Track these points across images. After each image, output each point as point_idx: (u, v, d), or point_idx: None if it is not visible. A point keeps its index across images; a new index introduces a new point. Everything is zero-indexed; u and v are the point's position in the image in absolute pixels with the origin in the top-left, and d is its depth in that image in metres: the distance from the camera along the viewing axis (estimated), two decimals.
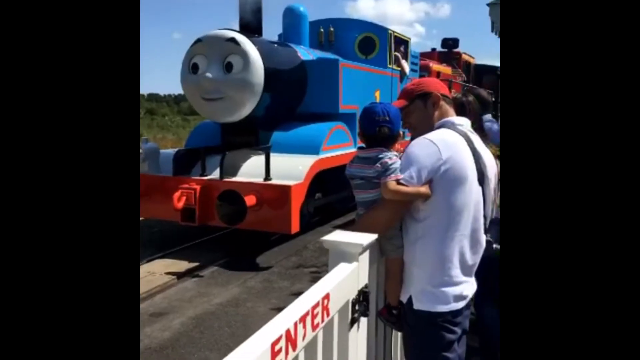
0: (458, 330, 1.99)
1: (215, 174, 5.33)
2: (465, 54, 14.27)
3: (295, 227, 4.99)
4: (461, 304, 1.98)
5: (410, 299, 1.98)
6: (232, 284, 4.51)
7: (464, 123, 2.07)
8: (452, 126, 2.03)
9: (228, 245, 5.62)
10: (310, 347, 1.41)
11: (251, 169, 5.38)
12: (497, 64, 16.33)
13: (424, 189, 1.89)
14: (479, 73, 14.92)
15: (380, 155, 1.99)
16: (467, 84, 12.20)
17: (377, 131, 2.02)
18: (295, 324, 1.22)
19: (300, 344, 1.26)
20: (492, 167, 2.13)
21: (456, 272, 1.96)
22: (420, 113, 2.11)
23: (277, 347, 1.12)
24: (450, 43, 14.01)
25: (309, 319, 1.30)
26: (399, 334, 2.23)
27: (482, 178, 2.02)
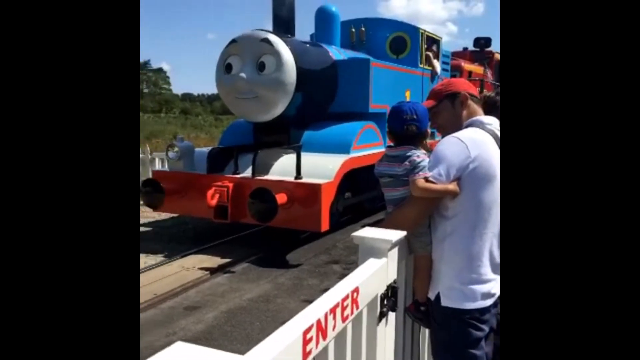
0: (485, 327, 2.01)
1: (248, 172, 5.43)
2: (498, 53, 14.04)
3: (325, 225, 5.05)
4: (489, 302, 1.99)
5: (438, 296, 2.00)
6: (262, 280, 4.60)
7: (493, 122, 2.09)
8: (480, 125, 2.04)
9: (259, 243, 5.72)
10: (340, 338, 1.46)
11: (282, 168, 5.46)
12: None
13: (452, 187, 1.92)
14: None
15: (409, 154, 2.02)
16: (498, 83, 12.00)
17: (405, 129, 2.05)
18: (326, 315, 1.27)
19: (331, 334, 1.31)
20: None
21: (484, 269, 1.97)
22: (448, 113, 2.14)
23: (308, 336, 1.17)
24: (482, 42, 13.80)
25: (339, 310, 1.35)
26: (427, 330, 2.25)
27: None
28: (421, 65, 8.11)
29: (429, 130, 2.17)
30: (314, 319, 1.21)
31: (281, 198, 4.91)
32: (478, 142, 1.96)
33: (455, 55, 12.49)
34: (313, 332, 1.20)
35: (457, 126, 2.10)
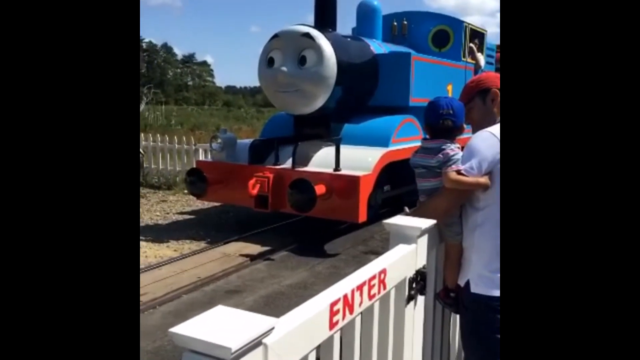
0: None
1: (288, 164, 5.58)
2: None
3: (362, 216, 5.13)
4: None
5: (467, 283, 2.07)
6: (300, 268, 4.74)
7: None
8: None
9: (298, 232, 5.86)
10: (368, 315, 1.56)
11: (322, 160, 5.58)
12: None
13: (484, 180, 1.98)
14: None
15: (443, 147, 2.09)
16: None
17: (441, 123, 2.12)
18: (353, 291, 1.37)
19: (357, 309, 1.41)
20: None
21: None
22: (480, 109, 2.20)
23: (335, 308, 1.28)
24: None
25: (365, 288, 1.45)
26: (457, 316, 2.32)
27: None
28: (464, 59, 8.02)
29: (465, 126, 2.23)
30: (341, 294, 1.32)
31: (320, 189, 5.03)
32: None
33: None
34: (340, 305, 1.30)
35: (490, 121, 2.15)
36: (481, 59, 8.48)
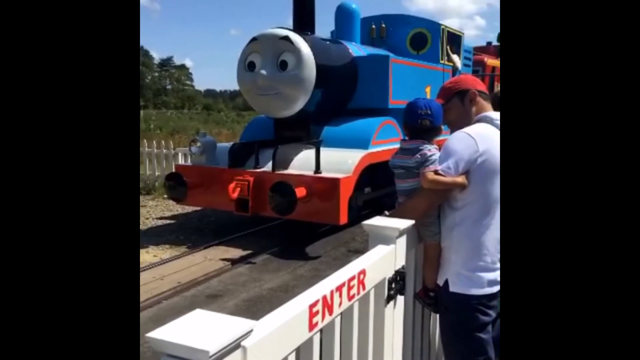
0: (492, 313, 2.09)
1: (268, 167, 5.57)
2: None
3: (343, 218, 5.15)
4: (495, 289, 2.07)
5: (446, 282, 2.09)
6: (282, 271, 4.73)
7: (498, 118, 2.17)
8: (489, 121, 2.13)
9: (279, 235, 5.86)
10: (347, 315, 1.57)
11: (302, 162, 5.58)
12: None
13: (461, 179, 2.00)
14: None
15: (421, 147, 2.12)
16: None
17: (419, 123, 2.15)
18: (332, 292, 1.38)
19: (337, 310, 1.41)
20: None
21: (491, 258, 2.06)
22: (458, 110, 2.23)
23: (314, 309, 1.28)
24: None
25: (345, 289, 1.46)
26: (437, 315, 2.35)
27: None
28: (442, 61, 8.12)
29: (442, 127, 2.26)
30: (320, 295, 1.32)
31: (300, 192, 5.03)
32: (486, 137, 2.04)
33: (479, 50, 12.41)
34: (319, 307, 1.31)
35: (467, 122, 2.19)
36: (458, 61, 8.59)
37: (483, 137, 2.04)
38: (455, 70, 8.48)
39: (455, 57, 8.55)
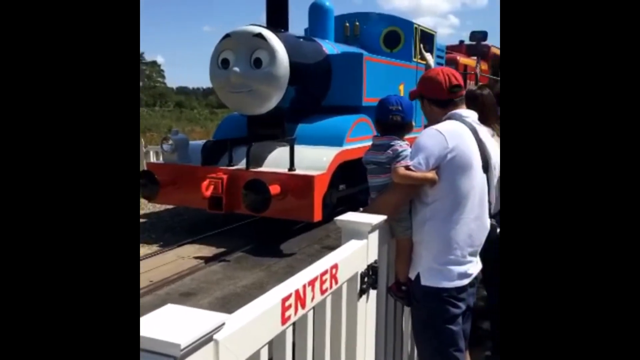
0: (462, 305, 2.14)
1: (242, 164, 5.54)
2: (494, 47, 14.14)
3: (317, 215, 5.17)
4: (465, 281, 2.12)
5: (418, 276, 2.13)
6: (256, 268, 4.72)
7: (471, 115, 2.22)
8: (459, 118, 2.17)
9: (253, 233, 5.84)
10: (320, 309, 1.59)
11: (276, 160, 5.58)
12: None
13: (431, 175, 2.04)
14: None
15: (392, 143, 2.15)
16: (494, 77, 12.10)
17: (390, 119, 2.18)
18: (304, 286, 1.39)
19: (309, 304, 1.43)
20: (496, 156, 2.26)
21: (461, 252, 2.10)
22: (424, 109, 2.30)
23: (287, 303, 1.30)
24: (479, 36, 13.87)
25: (317, 283, 1.47)
26: (409, 308, 2.38)
27: (486, 166, 2.16)
28: (415, 60, 8.21)
29: (414, 123, 2.30)
30: (292, 289, 1.34)
31: (274, 189, 5.02)
32: (456, 134, 2.09)
33: (451, 48, 12.57)
34: (292, 301, 1.32)
35: (434, 120, 2.24)
36: (431, 59, 8.70)
37: (453, 134, 2.08)
38: (428, 68, 8.58)
39: (428, 56, 8.64)
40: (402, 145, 2.15)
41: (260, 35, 5.62)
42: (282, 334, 1.31)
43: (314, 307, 1.50)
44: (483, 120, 2.72)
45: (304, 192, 5.12)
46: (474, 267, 2.18)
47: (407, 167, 2.05)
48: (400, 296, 2.25)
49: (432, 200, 2.10)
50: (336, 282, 1.61)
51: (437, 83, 2.21)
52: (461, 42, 14.39)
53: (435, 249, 2.11)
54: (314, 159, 5.44)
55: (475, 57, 12.34)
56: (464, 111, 2.21)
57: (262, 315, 1.17)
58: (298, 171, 5.27)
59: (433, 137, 2.09)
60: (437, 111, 2.26)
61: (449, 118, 2.19)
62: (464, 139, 2.10)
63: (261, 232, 5.86)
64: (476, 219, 2.13)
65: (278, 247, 5.40)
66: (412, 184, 2.09)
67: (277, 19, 5.96)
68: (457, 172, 2.06)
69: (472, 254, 2.16)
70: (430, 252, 2.12)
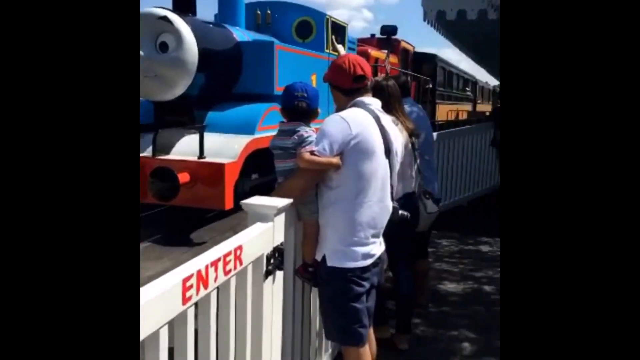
0: (366, 284, 2.24)
1: (148, 152, 5.33)
2: (404, 41, 14.69)
3: (229, 203, 5.11)
4: (369, 262, 2.22)
5: (324, 257, 2.21)
6: (164, 258, 4.58)
7: (374, 103, 2.31)
8: (362, 105, 2.26)
9: (162, 223, 5.65)
10: (224, 290, 1.59)
11: (185, 148, 5.42)
12: (435, 52, 16.88)
13: (335, 160, 2.11)
14: (419, 61, 15.36)
15: (298, 129, 2.19)
16: (404, 70, 12.59)
17: (295, 105, 2.22)
18: (207, 267, 1.39)
19: (212, 284, 1.43)
20: (398, 142, 2.38)
21: (364, 233, 2.20)
22: (332, 95, 2.38)
23: (188, 283, 1.29)
24: (389, 30, 14.33)
25: (220, 264, 1.48)
26: (316, 290, 2.45)
27: (388, 151, 2.27)
28: (327, 50, 8.32)
29: (319, 110, 2.35)
30: (194, 269, 1.33)
31: (183, 177, 4.89)
32: (359, 121, 2.17)
33: (363, 41, 12.88)
34: (193, 281, 1.32)
35: (340, 107, 2.32)
36: (343, 51, 8.86)
37: (356, 121, 2.17)
38: None
39: (340, 47, 8.77)
40: (307, 131, 2.20)
41: (165, 18, 5.41)
42: (183, 314, 1.31)
43: (217, 288, 1.51)
44: (388, 109, 2.84)
45: (214, 180, 5.03)
46: (377, 248, 2.29)
47: (312, 153, 2.11)
48: (307, 277, 2.31)
49: (337, 184, 2.17)
50: (241, 264, 1.62)
51: (343, 72, 2.28)
52: (372, 35, 14.79)
53: (340, 231, 2.19)
54: (225, 147, 5.36)
55: (385, 51, 12.77)
56: (367, 99, 2.30)
57: (161, 295, 1.15)
58: (208, 159, 5.16)
59: (337, 123, 2.16)
60: (342, 98, 2.33)
61: (354, 105, 2.27)
62: (367, 126, 2.19)
63: (171, 221, 5.68)
64: (379, 202, 2.24)
65: (188, 236, 5.27)
66: (318, 169, 2.15)
67: (184, 2, 5.77)
68: (360, 158, 2.15)
69: (375, 236, 2.26)
70: (335, 234, 2.19)
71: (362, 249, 2.20)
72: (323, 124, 2.20)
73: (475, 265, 4.98)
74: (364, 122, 2.19)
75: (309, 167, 2.13)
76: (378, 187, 2.22)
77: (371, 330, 2.44)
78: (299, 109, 2.23)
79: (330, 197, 2.20)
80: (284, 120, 2.34)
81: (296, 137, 2.18)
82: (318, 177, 2.20)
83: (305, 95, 2.24)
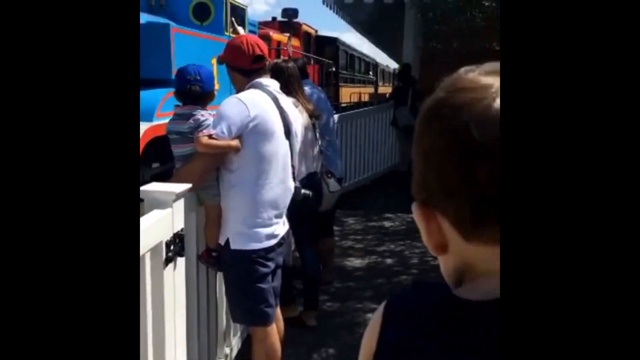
0: (271, 264, 2.28)
1: None
2: (305, 24, 14.77)
3: None
4: (273, 242, 2.26)
5: (227, 241, 2.21)
6: None
7: (271, 84, 2.33)
8: (260, 87, 2.27)
9: None
10: None
11: None
12: (337, 35, 17.16)
13: (235, 143, 2.11)
14: (321, 44, 15.55)
15: (194, 112, 2.16)
16: (306, 54, 12.68)
17: (188, 89, 2.18)
18: None
19: None
20: (297, 122, 2.43)
21: (267, 214, 2.23)
22: (229, 76, 2.36)
23: None
24: (290, 13, 14.33)
25: None
26: (220, 274, 2.46)
27: (288, 132, 2.31)
28: (227, 33, 8.17)
29: (215, 92, 2.33)
30: None
31: None
32: (257, 103, 2.18)
33: (264, 24, 12.77)
34: None
35: (240, 88, 2.31)
36: (243, 34, 8.76)
37: (254, 103, 2.17)
38: None
39: (240, 30, 8.66)
40: (204, 115, 2.17)
41: None
42: None
43: None
44: (288, 91, 2.87)
45: None
46: (281, 228, 2.34)
47: (210, 136, 2.09)
48: (211, 262, 2.30)
49: (237, 167, 2.18)
50: None
51: (242, 52, 2.27)
52: (274, 18, 14.72)
53: (242, 213, 2.20)
54: None
55: (287, 34, 12.76)
56: (265, 80, 2.32)
57: None
58: None
59: (235, 105, 2.16)
60: (240, 79, 2.32)
61: (252, 87, 2.27)
62: (266, 107, 2.21)
63: None
64: (280, 182, 2.27)
65: None
66: (216, 153, 2.14)
67: None
68: (259, 139, 2.16)
69: (278, 216, 2.30)
70: (238, 216, 2.20)
71: (265, 230, 2.23)
72: (220, 107, 2.18)
73: (378, 240, 5.22)
74: (262, 103, 2.20)
75: (208, 151, 2.11)
76: (279, 168, 2.25)
77: (278, 310, 2.49)
78: (192, 92, 2.18)
79: (231, 180, 2.20)
80: (179, 104, 2.29)
81: (192, 121, 2.14)
82: (217, 160, 2.19)
83: (199, 78, 2.19)
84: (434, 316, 0.52)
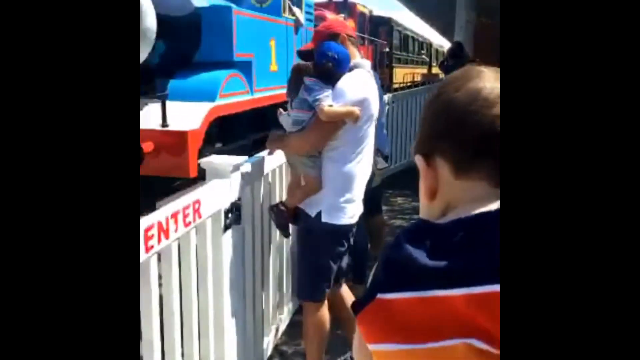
0: (346, 244, 2.35)
1: None
2: (360, 4, 14.62)
3: (194, 171, 5.19)
4: (354, 220, 2.34)
5: (319, 213, 2.27)
6: None
7: (367, 65, 2.42)
8: (364, 67, 2.36)
9: None
10: (185, 241, 1.74)
11: (147, 117, 5.43)
12: (391, 16, 16.87)
13: (356, 110, 2.18)
14: (375, 24, 15.37)
15: (318, 86, 2.22)
16: (361, 34, 12.61)
17: (323, 63, 2.23)
18: (167, 218, 1.53)
19: (173, 235, 1.58)
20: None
21: (356, 192, 2.31)
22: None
23: (149, 233, 1.43)
24: None
25: (180, 216, 1.62)
26: (273, 244, 2.60)
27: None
28: (284, 15, 8.30)
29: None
30: (155, 220, 1.47)
31: (147, 147, 4.94)
32: (367, 84, 2.29)
33: (320, 5, 12.79)
34: (154, 231, 1.46)
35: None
36: (301, 15, 8.84)
37: (366, 84, 2.28)
38: (299, 24, 8.73)
39: (297, 11, 8.77)
40: (326, 91, 2.23)
41: None
42: (146, 262, 1.45)
43: (178, 239, 1.65)
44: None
45: (178, 148, 5.09)
46: (360, 207, 2.42)
47: (331, 106, 2.16)
48: (283, 223, 2.41)
49: (341, 144, 2.24)
50: (199, 217, 1.76)
51: (345, 25, 2.38)
52: (329, 0, 14.66)
53: (338, 188, 2.27)
54: (187, 115, 5.40)
55: (342, 15, 12.71)
56: (363, 61, 2.41)
57: None
58: (171, 127, 5.21)
59: (354, 83, 2.24)
60: (352, 51, 2.40)
61: (355, 67, 2.34)
62: (372, 89, 2.31)
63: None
64: (368, 164, 2.38)
65: (154, 205, 5.35)
66: (332, 124, 2.19)
67: None
68: (365, 120, 2.26)
69: (359, 196, 2.39)
70: (334, 191, 2.26)
71: (353, 207, 2.30)
72: (340, 83, 2.23)
73: None
74: (369, 84, 2.29)
75: (330, 119, 2.17)
76: (370, 149, 2.36)
77: (346, 288, 2.56)
78: (325, 68, 2.23)
79: (334, 156, 2.26)
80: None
81: (316, 93, 2.19)
82: (331, 134, 2.23)
83: (336, 57, 2.22)
84: (422, 240, 0.60)
